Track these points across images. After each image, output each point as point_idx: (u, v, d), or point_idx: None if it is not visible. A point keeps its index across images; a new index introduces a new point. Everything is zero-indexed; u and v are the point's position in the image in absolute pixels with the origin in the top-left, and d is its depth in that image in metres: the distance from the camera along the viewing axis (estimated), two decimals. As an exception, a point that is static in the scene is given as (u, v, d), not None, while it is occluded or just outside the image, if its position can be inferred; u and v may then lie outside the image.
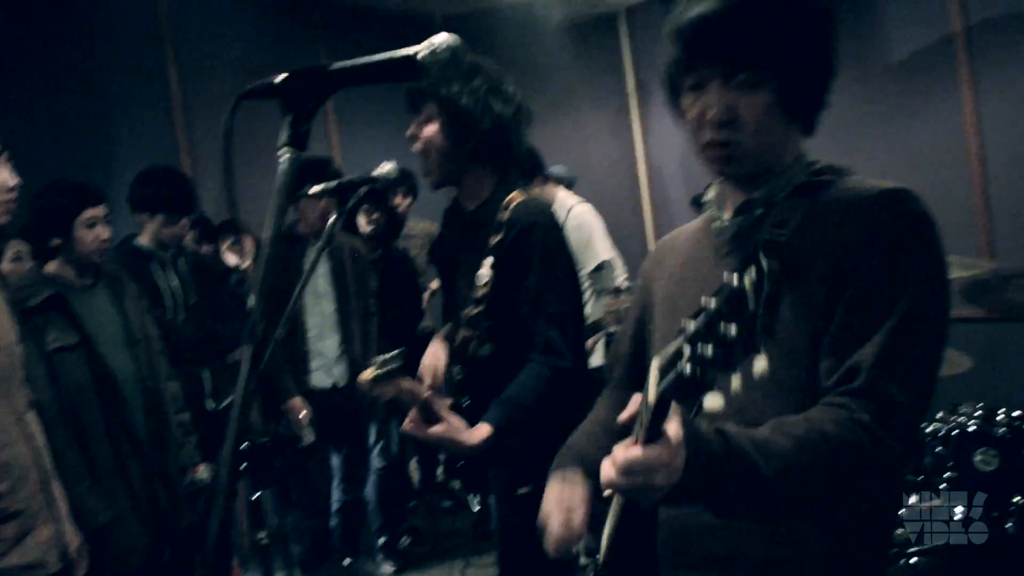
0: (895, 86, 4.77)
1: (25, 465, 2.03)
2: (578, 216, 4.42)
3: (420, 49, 1.09)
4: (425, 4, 6.10)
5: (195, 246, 4.23)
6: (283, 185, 1.08)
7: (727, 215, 1.34)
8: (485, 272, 2.12)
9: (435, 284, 5.27)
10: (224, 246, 4.56)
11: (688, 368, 0.81)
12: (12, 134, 4.15)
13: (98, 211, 2.79)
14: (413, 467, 5.32)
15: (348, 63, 1.10)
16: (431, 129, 2.12)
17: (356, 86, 1.13)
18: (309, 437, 3.71)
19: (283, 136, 1.08)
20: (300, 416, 3.70)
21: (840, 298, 1.15)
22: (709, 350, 0.79)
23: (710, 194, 1.40)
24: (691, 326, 0.82)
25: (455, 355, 2.18)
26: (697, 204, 1.48)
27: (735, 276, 0.81)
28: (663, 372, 0.89)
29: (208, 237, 4.35)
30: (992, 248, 4.44)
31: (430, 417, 1.94)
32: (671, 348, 0.88)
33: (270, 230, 1.09)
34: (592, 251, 4.34)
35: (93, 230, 2.77)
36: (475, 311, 2.14)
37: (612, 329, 3.41)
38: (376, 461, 4.30)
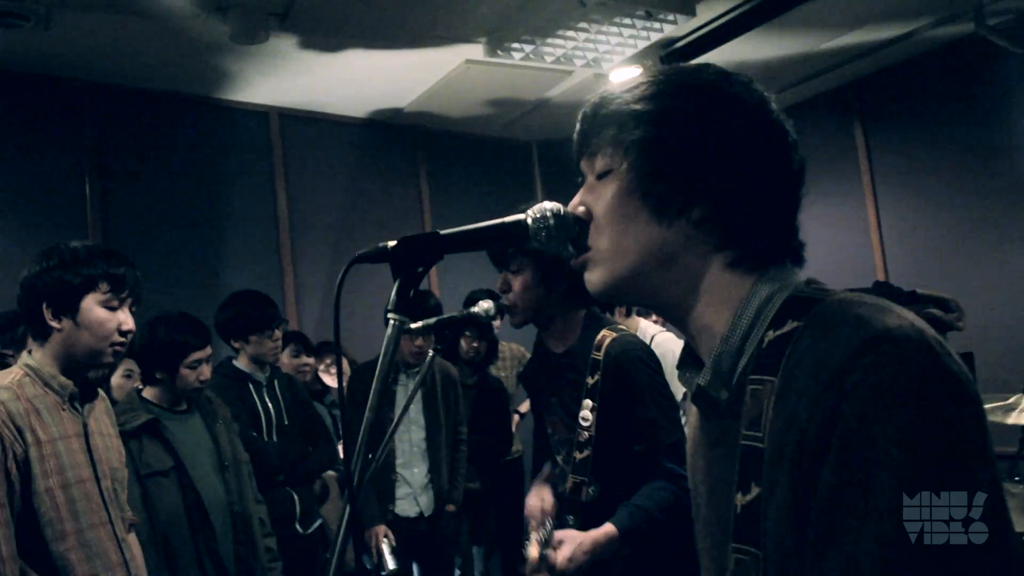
0: (1014, 210, 4.61)
1: None
2: (661, 344, 4.37)
3: (528, 216, 1.12)
4: (523, 131, 6.29)
5: (292, 359, 4.32)
6: (389, 350, 1.09)
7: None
8: (587, 415, 2.11)
9: (525, 407, 5.25)
10: (322, 367, 4.68)
11: None
12: (123, 247, 4.46)
13: (202, 354, 2.91)
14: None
15: (457, 230, 1.12)
16: (524, 279, 2.16)
17: (464, 251, 1.14)
18: (391, 566, 3.64)
19: (391, 301, 1.09)
20: (383, 544, 3.65)
21: (805, 536, 0.78)
22: None
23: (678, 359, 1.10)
24: None
25: (568, 503, 2.15)
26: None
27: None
28: None
29: (307, 351, 4.45)
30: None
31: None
32: None
33: (376, 391, 1.10)
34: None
35: (196, 371, 2.89)
36: (581, 455, 2.11)
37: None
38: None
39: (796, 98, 5.48)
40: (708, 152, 0.93)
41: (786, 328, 0.86)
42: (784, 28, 4.44)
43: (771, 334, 0.88)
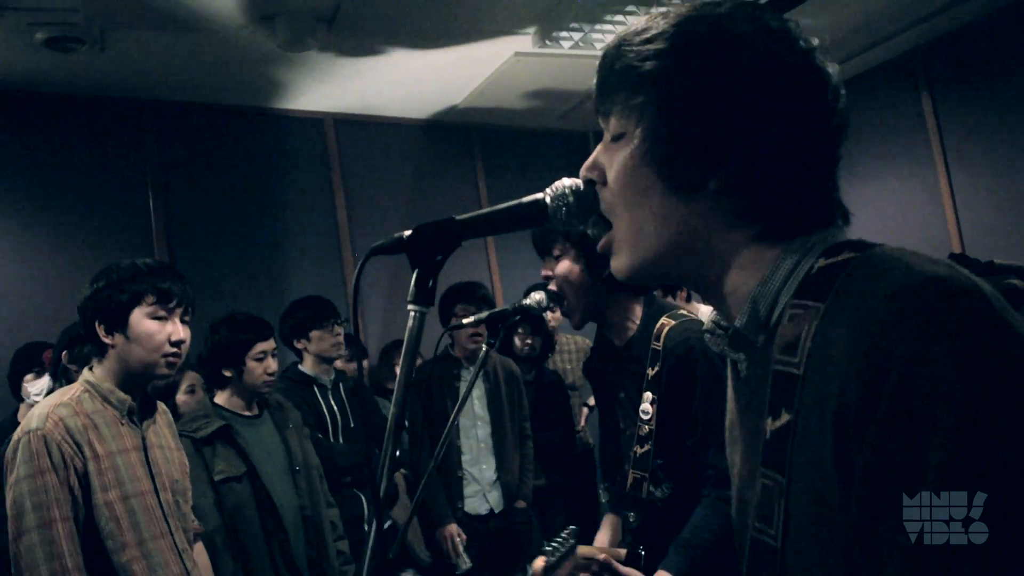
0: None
1: None
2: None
3: (546, 194, 1.08)
4: (578, 121, 6.22)
5: (346, 363, 4.33)
6: (411, 343, 1.05)
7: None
8: (647, 408, 2.02)
9: (593, 400, 5.19)
10: (396, 363, 4.71)
11: None
12: (188, 261, 4.58)
13: (267, 345, 2.94)
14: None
15: (475, 214, 1.09)
16: (565, 265, 2.07)
17: (483, 236, 1.10)
18: (465, 563, 3.63)
19: (411, 292, 1.06)
20: (455, 542, 3.64)
21: (851, 482, 0.70)
22: None
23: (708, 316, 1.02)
24: None
25: (628, 499, 2.07)
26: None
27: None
28: None
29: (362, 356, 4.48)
30: None
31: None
32: None
33: (400, 386, 1.06)
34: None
35: (262, 363, 2.91)
36: (641, 450, 2.03)
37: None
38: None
39: (860, 67, 5.27)
40: (726, 114, 0.84)
41: (841, 257, 0.79)
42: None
43: (822, 262, 0.80)
